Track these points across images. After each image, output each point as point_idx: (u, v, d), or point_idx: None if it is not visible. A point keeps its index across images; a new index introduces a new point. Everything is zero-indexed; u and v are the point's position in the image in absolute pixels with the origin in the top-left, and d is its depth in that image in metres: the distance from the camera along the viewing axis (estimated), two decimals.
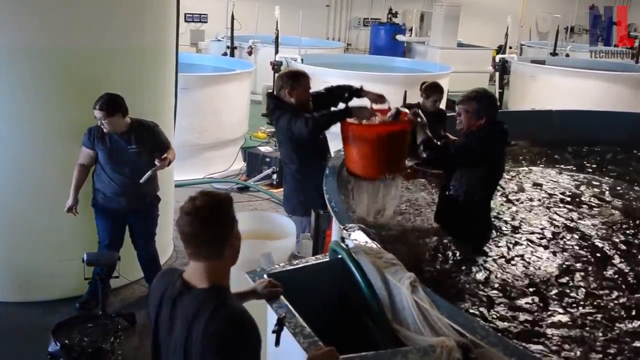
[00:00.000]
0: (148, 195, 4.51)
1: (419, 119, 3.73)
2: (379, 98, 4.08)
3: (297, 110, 4.18)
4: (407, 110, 3.83)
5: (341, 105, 4.28)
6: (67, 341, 3.84)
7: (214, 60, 10.63)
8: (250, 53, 12.45)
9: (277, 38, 11.15)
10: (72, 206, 4.32)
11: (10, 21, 4.18)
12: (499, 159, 3.83)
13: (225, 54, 12.37)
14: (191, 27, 14.82)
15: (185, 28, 14.26)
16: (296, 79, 4.30)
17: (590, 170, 6.03)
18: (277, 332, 2.27)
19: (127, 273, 4.68)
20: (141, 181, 4.30)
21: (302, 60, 10.67)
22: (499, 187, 5.03)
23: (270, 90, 4.41)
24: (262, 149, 7.88)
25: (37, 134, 4.41)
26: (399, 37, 15.58)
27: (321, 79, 9.29)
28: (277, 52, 10.96)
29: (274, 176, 7.44)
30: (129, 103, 4.26)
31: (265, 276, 2.58)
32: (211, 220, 2.03)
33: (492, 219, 4.24)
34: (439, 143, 3.78)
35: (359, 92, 4.35)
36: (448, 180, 3.86)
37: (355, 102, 4.29)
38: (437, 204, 4.10)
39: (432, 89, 5.08)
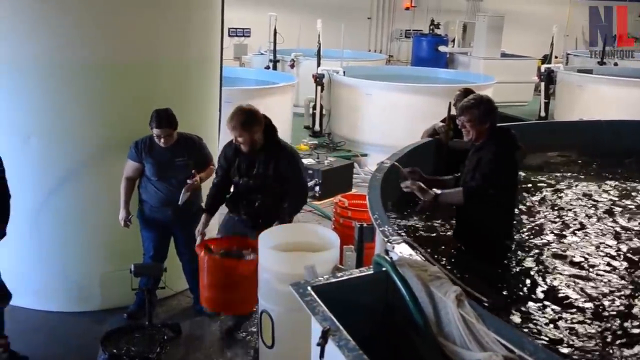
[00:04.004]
0: (194, 205, 4.58)
1: (413, 184, 3.60)
2: None
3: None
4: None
5: None
6: (115, 350, 3.92)
7: (257, 74, 10.76)
8: (292, 66, 12.56)
9: (319, 51, 11.24)
10: (126, 218, 4.44)
11: (60, 39, 4.31)
12: (513, 166, 3.75)
13: (267, 68, 12.50)
14: (235, 42, 15.05)
15: (229, 42, 14.45)
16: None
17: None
18: (322, 345, 2.26)
19: (173, 284, 4.75)
20: (180, 203, 4.37)
21: (344, 72, 10.72)
22: (534, 199, 4.93)
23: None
24: (305, 161, 7.85)
25: (85, 148, 4.53)
26: (442, 48, 15.50)
27: (363, 91, 9.35)
28: (319, 64, 11.04)
29: (317, 188, 7.45)
30: (176, 116, 4.35)
31: (309, 288, 2.51)
32: None
33: (523, 231, 4.14)
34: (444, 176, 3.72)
35: None
36: None
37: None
38: (456, 221, 3.97)
39: (464, 94, 4.93)
